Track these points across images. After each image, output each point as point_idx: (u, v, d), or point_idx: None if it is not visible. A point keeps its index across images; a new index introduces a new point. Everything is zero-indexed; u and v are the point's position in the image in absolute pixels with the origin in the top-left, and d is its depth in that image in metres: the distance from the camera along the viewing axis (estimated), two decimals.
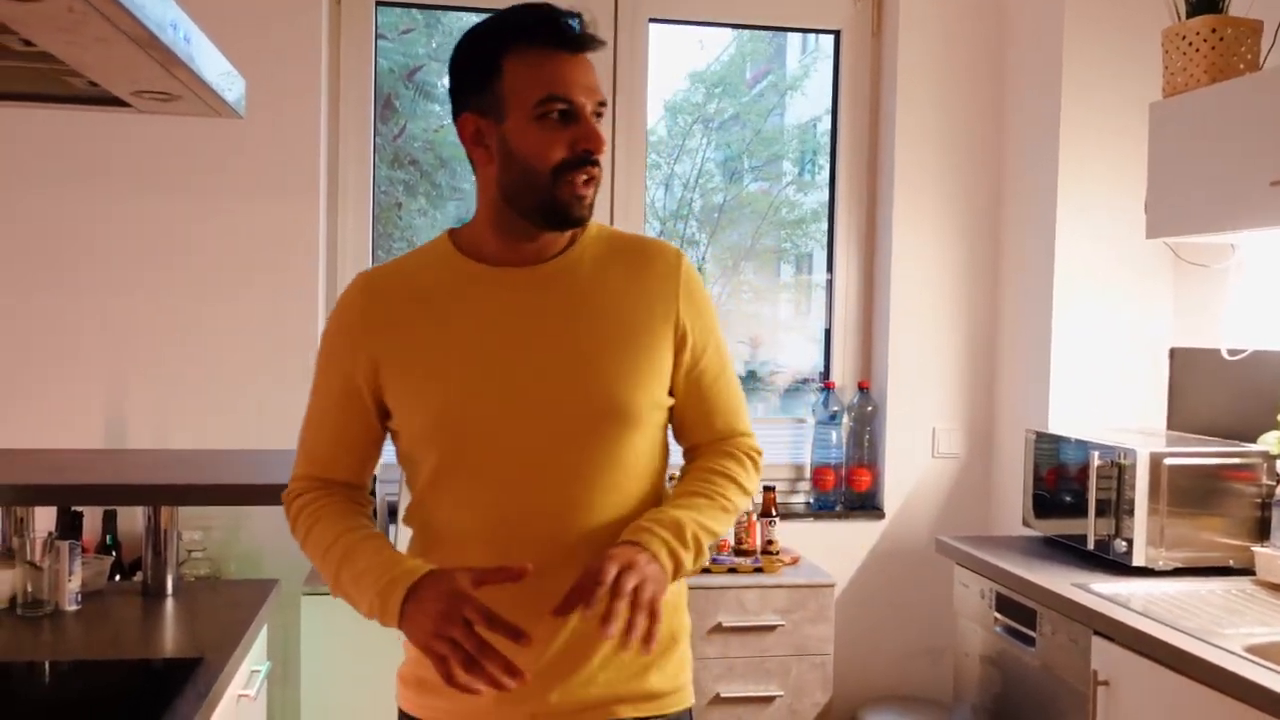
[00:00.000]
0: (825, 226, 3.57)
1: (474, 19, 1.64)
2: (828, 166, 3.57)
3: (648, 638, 1.30)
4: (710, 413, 1.54)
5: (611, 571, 1.30)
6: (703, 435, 1.56)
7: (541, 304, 1.46)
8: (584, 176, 1.41)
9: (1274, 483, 2.49)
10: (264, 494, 2.29)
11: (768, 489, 3.23)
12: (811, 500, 3.47)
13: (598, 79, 1.42)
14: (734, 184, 3.77)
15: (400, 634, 1.38)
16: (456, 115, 1.47)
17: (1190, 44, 2.49)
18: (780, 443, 3.50)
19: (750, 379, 3.68)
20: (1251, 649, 1.93)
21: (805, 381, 3.65)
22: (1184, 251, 2.96)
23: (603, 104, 1.43)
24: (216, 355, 3.05)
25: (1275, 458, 2.50)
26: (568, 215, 1.43)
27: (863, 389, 3.46)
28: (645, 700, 1.49)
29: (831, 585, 3.05)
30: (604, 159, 1.44)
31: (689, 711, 1.56)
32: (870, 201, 3.52)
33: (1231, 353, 2.79)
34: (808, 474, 3.50)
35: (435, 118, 3.53)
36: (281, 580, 2.49)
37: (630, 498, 1.47)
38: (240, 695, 1.98)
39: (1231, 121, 2.35)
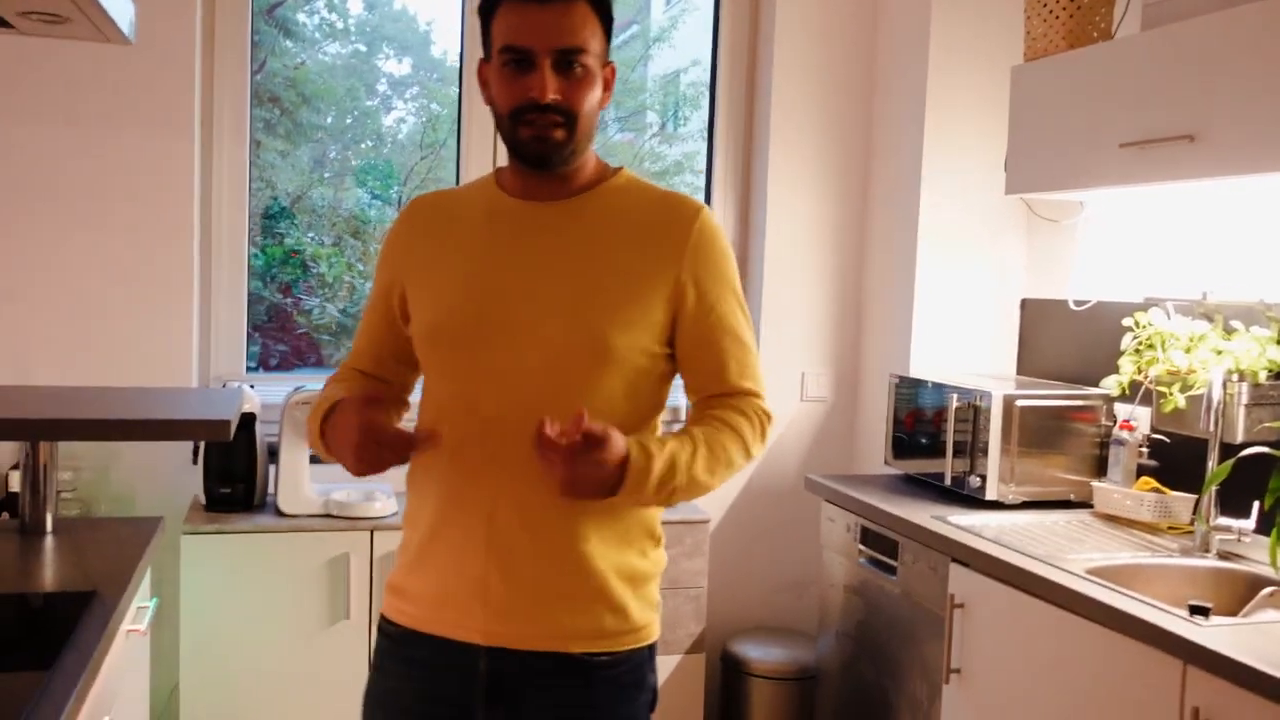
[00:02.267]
0: (688, 179, 3.64)
1: None
2: (694, 118, 3.63)
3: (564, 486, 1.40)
4: (719, 367, 1.60)
5: (602, 437, 1.39)
6: (712, 388, 1.62)
7: (545, 239, 1.57)
8: (527, 123, 1.50)
9: (1112, 423, 2.71)
10: (144, 429, 2.26)
11: None
12: None
13: (576, 25, 1.48)
14: (599, 134, 3.79)
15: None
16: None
17: (1051, 11, 2.64)
18: None
19: None
20: (1091, 571, 2.13)
21: None
22: (1038, 208, 3.15)
23: (571, 50, 1.48)
24: (85, 290, 2.96)
25: (1114, 400, 2.71)
26: (526, 157, 1.55)
27: None
28: (598, 638, 1.55)
29: (707, 521, 3.18)
30: (550, 103, 1.50)
31: (648, 649, 1.62)
32: (746, 153, 3.62)
33: (1077, 303, 3.00)
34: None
35: (294, 55, 3.46)
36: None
37: None
38: (130, 630, 1.97)
39: (1085, 86, 2.52)
